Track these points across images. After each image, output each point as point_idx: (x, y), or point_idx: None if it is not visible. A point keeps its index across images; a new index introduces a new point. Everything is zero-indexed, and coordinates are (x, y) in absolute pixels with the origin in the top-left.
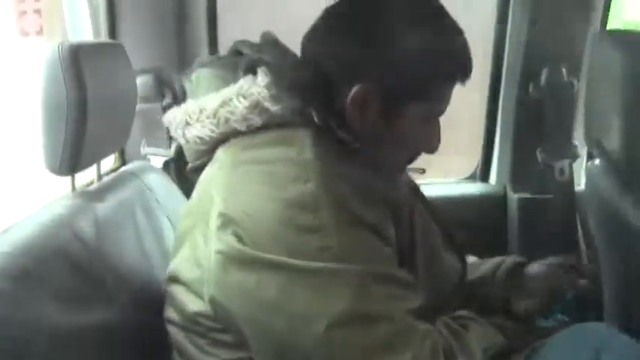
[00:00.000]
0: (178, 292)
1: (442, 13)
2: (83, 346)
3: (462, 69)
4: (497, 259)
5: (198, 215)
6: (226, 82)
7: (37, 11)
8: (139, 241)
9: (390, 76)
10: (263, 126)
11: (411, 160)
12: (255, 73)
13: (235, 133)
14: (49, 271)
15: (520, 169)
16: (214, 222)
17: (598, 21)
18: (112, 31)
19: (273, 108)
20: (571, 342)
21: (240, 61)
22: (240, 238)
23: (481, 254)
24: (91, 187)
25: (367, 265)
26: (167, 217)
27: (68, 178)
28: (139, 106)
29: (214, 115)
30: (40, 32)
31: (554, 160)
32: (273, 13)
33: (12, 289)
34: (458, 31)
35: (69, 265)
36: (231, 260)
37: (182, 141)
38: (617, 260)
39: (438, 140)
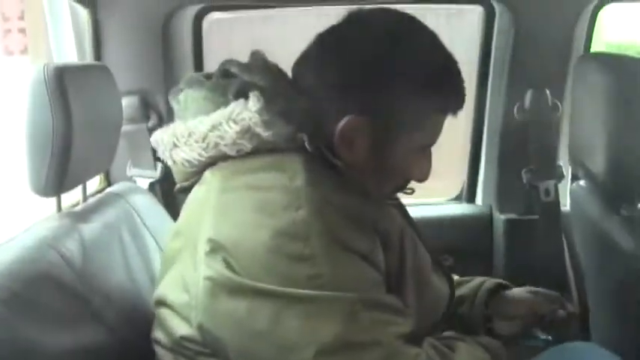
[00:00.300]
0: (166, 314)
1: (435, 44)
2: None
3: (454, 101)
4: (479, 279)
5: (187, 237)
6: (215, 104)
7: (22, 30)
8: (126, 262)
9: (381, 108)
10: (253, 151)
11: (402, 187)
12: (245, 96)
13: (224, 157)
14: (36, 293)
15: (506, 189)
16: (203, 247)
17: (582, 44)
18: (97, 52)
19: (265, 134)
20: None
21: (230, 84)
22: (229, 266)
23: (467, 275)
24: (77, 208)
25: (357, 292)
26: (153, 238)
27: (53, 200)
28: (125, 128)
29: (203, 139)
30: (24, 51)
31: (539, 181)
32: (257, 33)
33: (0, 312)
34: (451, 62)
35: (56, 286)
36: (221, 287)
37: (170, 162)
38: (603, 280)
39: (429, 169)
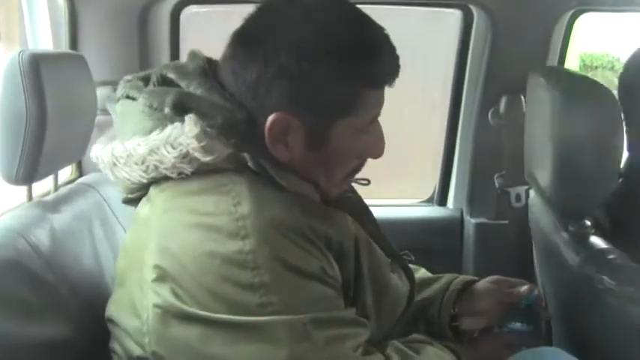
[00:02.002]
0: (121, 334)
1: (354, 14)
2: (36, 356)
3: (377, 71)
4: (446, 278)
5: (132, 258)
6: (152, 120)
7: None
8: (95, 253)
9: (304, 97)
10: (195, 172)
11: (358, 169)
12: (183, 109)
13: (166, 177)
14: (3, 281)
15: (477, 194)
16: (150, 273)
17: (557, 51)
18: (74, 41)
19: (204, 159)
20: None
21: (167, 93)
22: (177, 295)
23: None
24: (48, 198)
25: (309, 314)
26: (123, 229)
27: (24, 188)
28: (99, 118)
29: (142, 162)
30: None
31: (510, 187)
32: (234, 27)
33: None
34: (374, 30)
35: (23, 275)
36: (171, 315)
37: (112, 178)
38: (556, 291)
39: (382, 143)
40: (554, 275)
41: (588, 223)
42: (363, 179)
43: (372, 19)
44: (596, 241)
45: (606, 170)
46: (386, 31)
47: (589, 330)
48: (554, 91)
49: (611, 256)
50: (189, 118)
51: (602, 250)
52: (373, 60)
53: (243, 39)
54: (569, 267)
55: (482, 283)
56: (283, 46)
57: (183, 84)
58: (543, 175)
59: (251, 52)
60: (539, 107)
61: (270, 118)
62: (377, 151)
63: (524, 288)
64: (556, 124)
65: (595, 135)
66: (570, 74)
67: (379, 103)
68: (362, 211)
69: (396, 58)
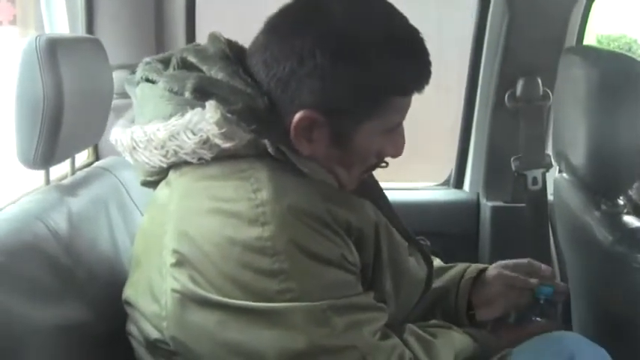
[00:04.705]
0: (138, 317)
1: (391, 15)
2: (54, 339)
3: (415, 79)
4: (460, 266)
5: (151, 241)
6: (172, 105)
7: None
8: (112, 237)
9: (335, 98)
10: (215, 157)
11: (375, 166)
12: (203, 94)
13: (186, 162)
14: (21, 265)
15: (494, 177)
16: (169, 257)
17: (574, 35)
18: (90, 25)
19: (225, 145)
20: (543, 350)
21: (188, 78)
22: (196, 281)
23: (452, 261)
24: (65, 182)
25: (328, 300)
26: (140, 213)
27: (41, 172)
28: (115, 102)
29: (162, 147)
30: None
31: (527, 169)
32: (249, 10)
33: None
34: (410, 35)
35: (41, 259)
36: (190, 300)
37: (131, 161)
38: (582, 272)
39: (403, 144)
40: (583, 255)
41: (621, 202)
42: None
43: (408, 20)
44: (630, 219)
45: None
46: (421, 35)
47: (618, 309)
48: (590, 70)
49: None
50: (210, 104)
51: (635, 229)
52: (407, 68)
53: (279, 31)
54: (600, 246)
55: (491, 269)
56: (320, 46)
57: (204, 68)
58: (575, 153)
59: (286, 47)
60: (573, 85)
61: (298, 115)
62: (397, 151)
63: (534, 281)
64: (592, 102)
65: (632, 113)
66: (608, 53)
67: (406, 108)
68: (378, 195)
69: (429, 64)
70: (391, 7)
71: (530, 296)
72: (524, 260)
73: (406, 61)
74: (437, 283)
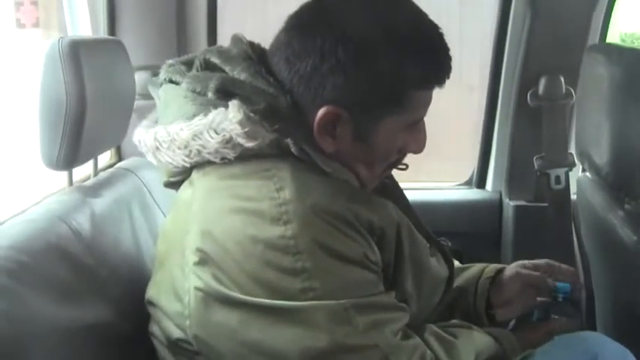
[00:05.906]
0: (161, 316)
1: (412, 12)
2: (77, 339)
3: (436, 73)
4: (478, 267)
5: (174, 241)
6: (195, 105)
7: (34, 3)
8: (134, 237)
9: (358, 93)
10: (238, 157)
11: (396, 163)
12: (226, 95)
13: (210, 161)
14: (45, 266)
15: (516, 176)
16: (192, 256)
17: (597, 33)
18: (112, 27)
19: (248, 145)
20: (565, 350)
21: (211, 79)
22: (219, 280)
23: (474, 261)
24: (88, 183)
25: (350, 299)
26: (163, 213)
27: (65, 173)
28: (137, 103)
29: (185, 147)
30: (36, 24)
31: (550, 169)
32: (270, 12)
33: (8, 284)
34: (431, 30)
35: (65, 259)
36: (213, 298)
37: (154, 162)
38: (606, 272)
39: (425, 140)
40: (607, 254)
41: None
42: (402, 164)
43: (429, 17)
44: None
45: None
46: (441, 30)
47: None
48: (614, 68)
49: None
50: (233, 104)
51: None
52: (428, 61)
53: (300, 28)
54: (624, 245)
55: (509, 269)
56: (341, 42)
57: (227, 68)
58: (598, 152)
59: (308, 43)
60: (596, 84)
61: (321, 110)
62: (419, 147)
63: (550, 281)
64: (615, 101)
65: None
66: (632, 51)
67: (428, 102)
68: (398, 196)
69: (449, 58)
70: (411, 3)
71: (549, 295)
72: (543, 261)
73: (427, 55)
74: (455, 283)
